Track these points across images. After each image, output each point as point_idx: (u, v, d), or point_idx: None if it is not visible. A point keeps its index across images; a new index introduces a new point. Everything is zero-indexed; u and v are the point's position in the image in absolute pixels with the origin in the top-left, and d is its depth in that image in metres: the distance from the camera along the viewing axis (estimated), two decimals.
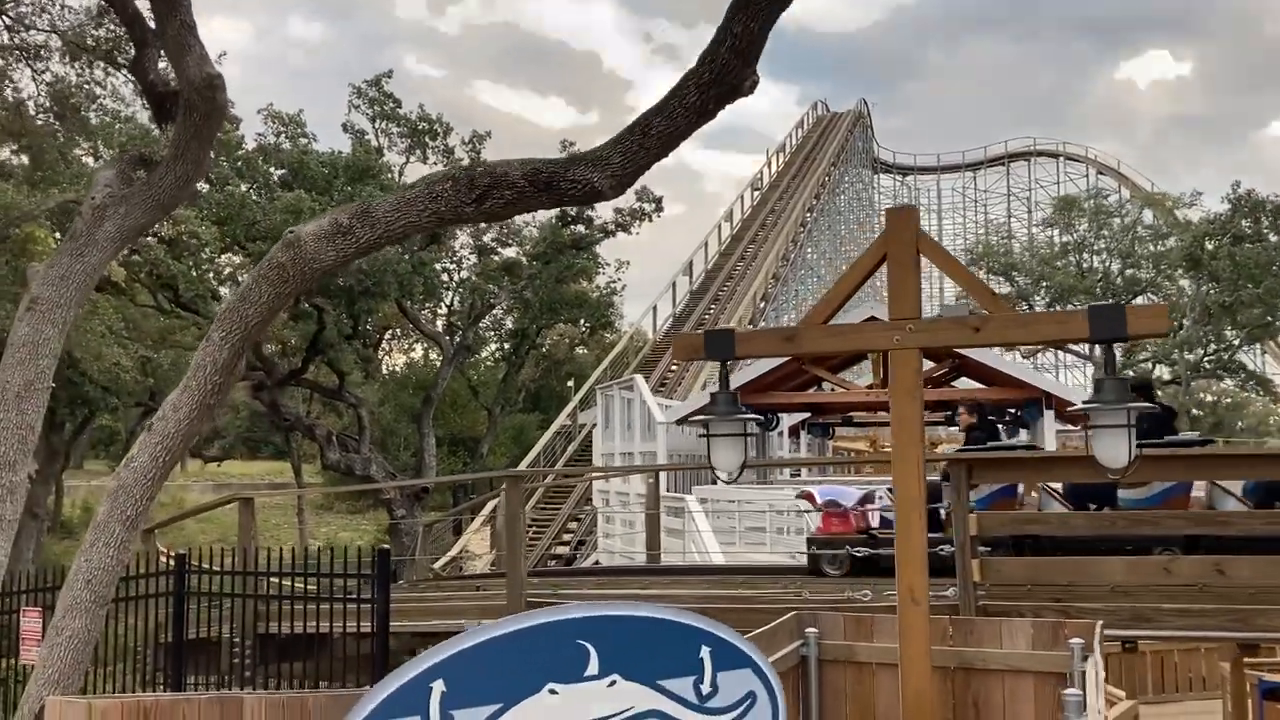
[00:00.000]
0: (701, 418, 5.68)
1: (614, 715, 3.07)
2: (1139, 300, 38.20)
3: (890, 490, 10.39)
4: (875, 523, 10.50)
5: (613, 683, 3.07)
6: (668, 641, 3.32)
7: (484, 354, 42.67)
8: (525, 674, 2.91)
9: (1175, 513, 7.66)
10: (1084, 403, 4.92)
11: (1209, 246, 32.51)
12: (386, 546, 10.10)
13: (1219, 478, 7.93)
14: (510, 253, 34.25)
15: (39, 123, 17.14)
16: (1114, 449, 4.76)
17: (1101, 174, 72.78)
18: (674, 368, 36.35)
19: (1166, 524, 7.59)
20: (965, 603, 7.29)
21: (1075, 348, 48.22)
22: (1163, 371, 38.34)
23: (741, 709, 3.50)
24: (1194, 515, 7.84)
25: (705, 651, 3.39)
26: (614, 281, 37.36)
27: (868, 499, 10.79)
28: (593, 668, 3.04)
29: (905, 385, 5.25)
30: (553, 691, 2.93)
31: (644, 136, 5.03)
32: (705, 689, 3.36)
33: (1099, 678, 4.13)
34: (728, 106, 5.13)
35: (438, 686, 2.74)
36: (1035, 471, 8.15)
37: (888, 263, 5.36)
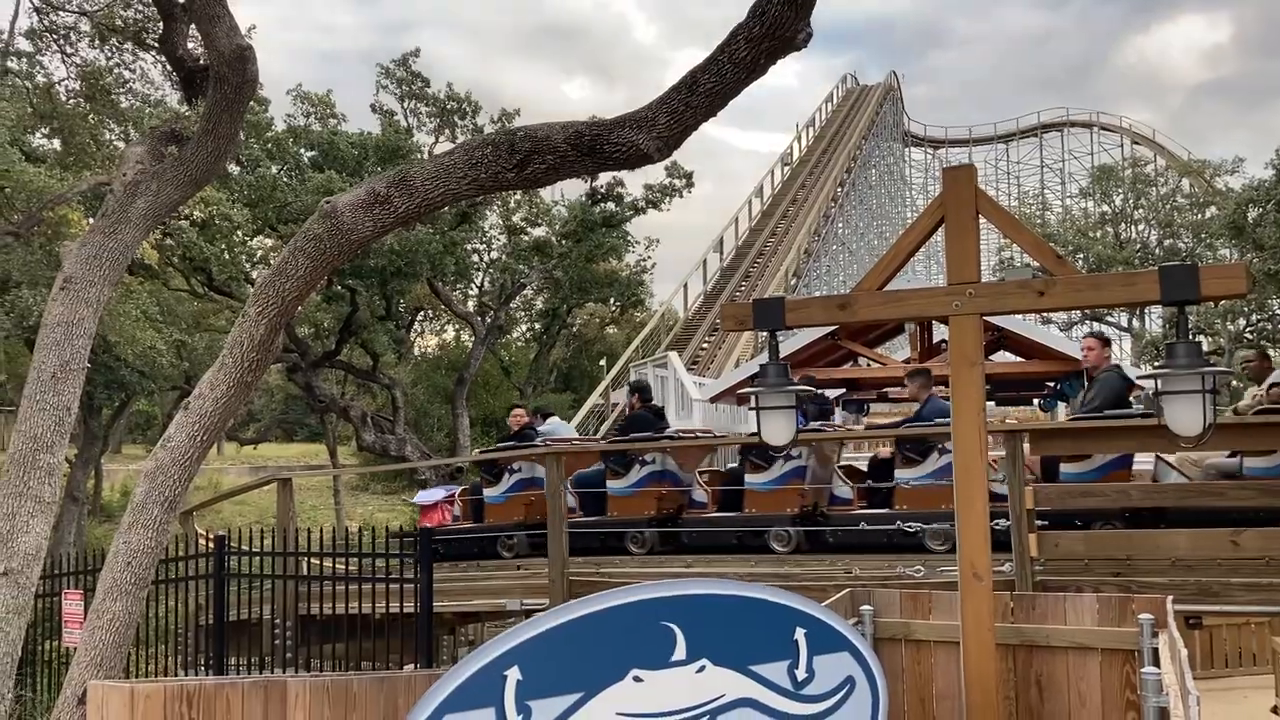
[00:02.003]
0: (749, 390, 5.49)
1: (704, 704, 2.72)
2: None
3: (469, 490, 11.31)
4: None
5: (701, 668, 2.72)
6: (759, 622, 2.97)
7: (515, 334, 42.61)
8: (607, 659, 2.57)
9: (1261, 484, 7.29)
10: (1155, 367, 4.70)
11: (1252, 214, 31.70)
12: (428, 525, 10.02)
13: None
14: (540, 232, 34.02)
15: (69, 106, 17.10)
16: (1188, 416, 4.54)
17: (1136, 143, 71.50)
18: (705, 345, 36.11)
19: (1231, 496, 7.29)
20: (1022, 578, 7.08)
21: (1113, 319, 47.51)
22: (1204, 341, 37.64)
23: (840, 695, 3.18)
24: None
25: (800, 633, 3.05)
26: (644, 260, 37.10)
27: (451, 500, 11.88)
28: (680, 652, 2.69)
29: (966, 353, 5.02)
30: (637, 679, 2.58)
31: (691, 94, 4.78)
32: (800, 674, 3.02)
33: (1181, 655, 3.92)
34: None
35: (512, 675, 2.42)
36: (1094, 441, 7.88)
37: (945, 224, 5.13)
